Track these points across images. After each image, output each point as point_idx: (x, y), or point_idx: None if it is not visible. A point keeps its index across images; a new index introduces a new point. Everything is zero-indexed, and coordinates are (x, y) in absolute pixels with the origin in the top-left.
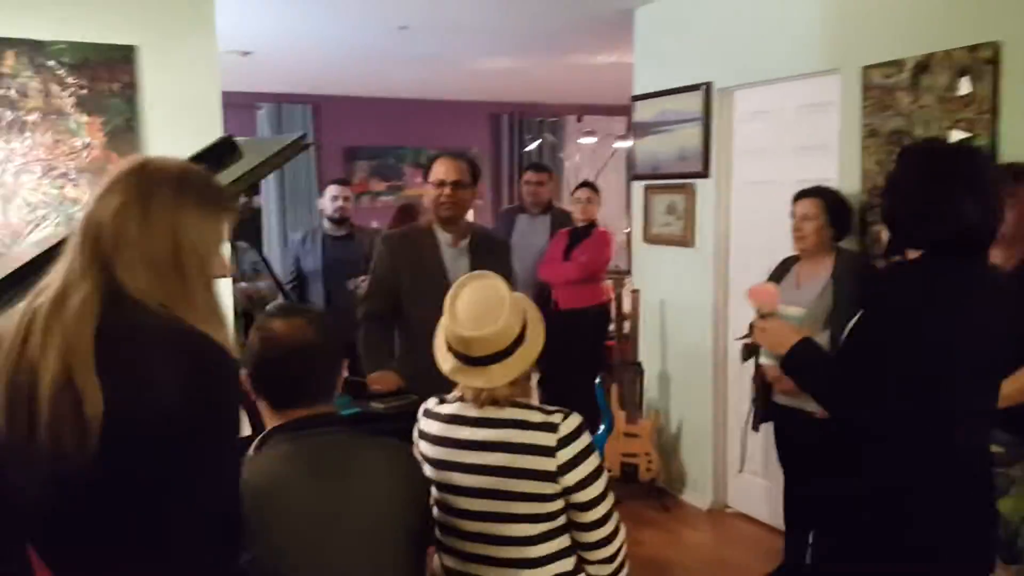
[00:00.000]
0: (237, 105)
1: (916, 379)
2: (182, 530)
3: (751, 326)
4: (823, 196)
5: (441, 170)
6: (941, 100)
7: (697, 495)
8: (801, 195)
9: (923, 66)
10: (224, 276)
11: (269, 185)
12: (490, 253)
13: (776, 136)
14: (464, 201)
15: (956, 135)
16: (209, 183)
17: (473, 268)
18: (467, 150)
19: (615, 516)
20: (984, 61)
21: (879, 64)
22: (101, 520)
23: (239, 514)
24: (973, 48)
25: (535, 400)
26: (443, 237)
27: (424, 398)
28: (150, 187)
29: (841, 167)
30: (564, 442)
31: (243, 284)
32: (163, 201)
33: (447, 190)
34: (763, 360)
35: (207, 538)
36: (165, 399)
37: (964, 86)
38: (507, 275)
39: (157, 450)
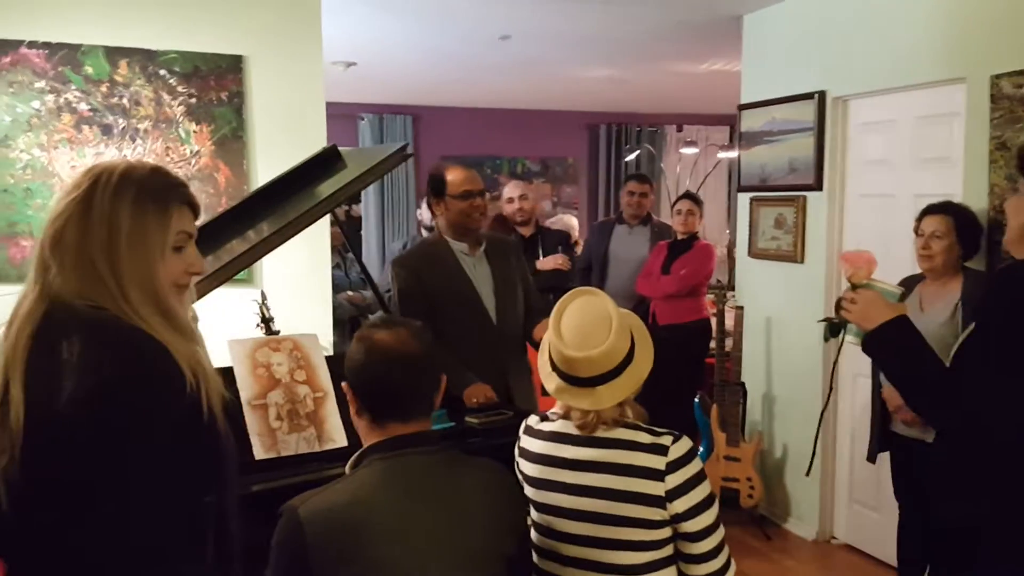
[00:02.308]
0: (339, 115)
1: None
2: (98, 546)
3: (839, 300)
4: (953, 213)
5: (467, 180)
6: None
7: (802, 524)
8: (929, 211)
9: None
10: (192, 274)
11: (368, 194)
12: (506, 256)
13: (894, 148)
14: (487, 209)
15: None
16: (153, 175)
17: (494, 273)
18: (563, 160)
19: (726, 549)
20: None
21: (1010, 73)
22: (33, 528)
23: (164, 540)
24: None
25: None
26: (458, 247)
27: (518, 414)
28: (93, 187)
29: (966, 182)
30: (674, 466)
31: (349, 292)
32: (102, 198)
33: (477, 200)
34: (850, 339)
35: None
36: (75, 393)
37: None
38: (525, 275)
39: (70, 453)
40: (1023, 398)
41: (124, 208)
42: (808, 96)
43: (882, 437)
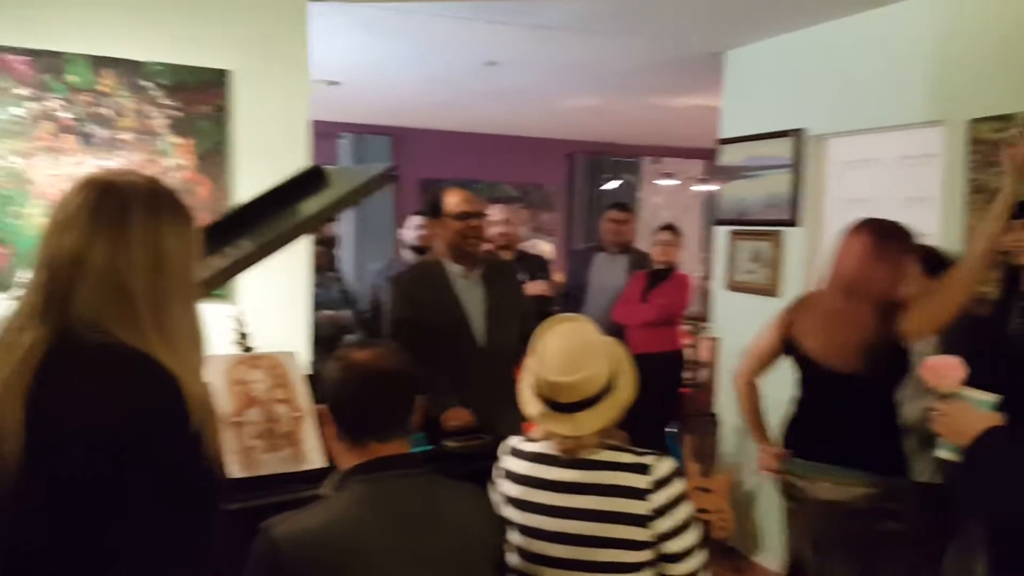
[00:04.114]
0: (320, 134)
1: None
2: None
3: (924, 410)
4: (918, 250)
5: (466, 200)
6: None
7: (772, 557)
8: None
9: None
10: (203, 296)
11: (346, 215)
12: (503, 280)
13: (871, 187)
14: (485, 232)
15: None
16: (178, 196)
17: (488, 298)
18: (541, 187)
19: (708, 571)
20: None
21: (987, 118)
22: (23, 558)
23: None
24: None
25: None
26: (454, 270)
27: (496, 438)
28: (123, 207)
29: (943, 223)
30: (658, 485)
31: (329, 312)
32: (139, 218)
33: (474, 221)
34: (942, 454)
35: None
36: (87, 424)
37: None
38: (521, 301)
39: (80, 488)
40: None
41: (167, 228)
42: (787, 133)
43: None
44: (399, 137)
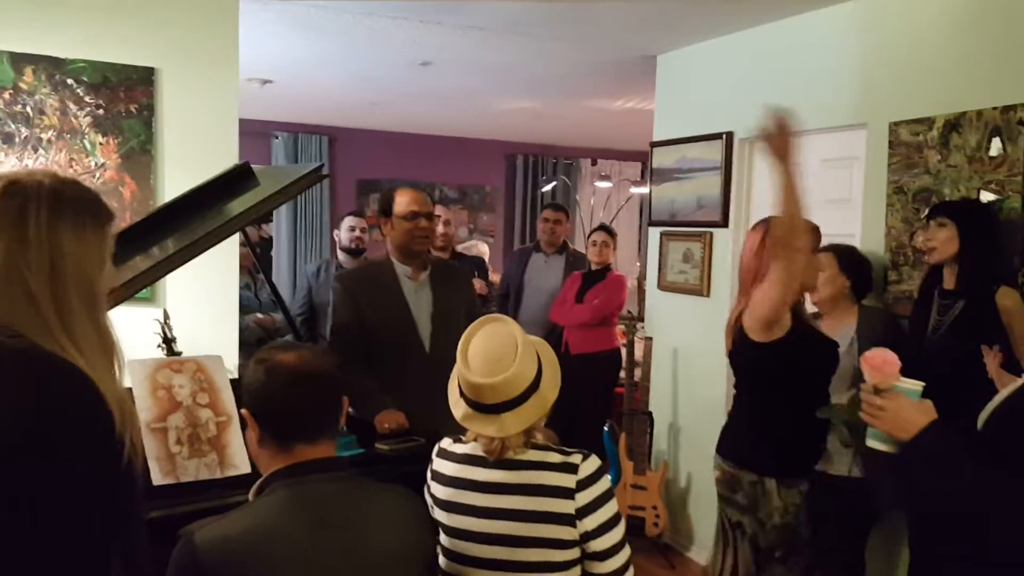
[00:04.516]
0: (253, 133)
1: None
2: None
3: (859, 402)
4: (835, 250)
5: (415, 200)
6: (971, 160)
7: (704, 553)
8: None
9: (953, 125)
10: (114, 301)
11: (281, 215)
12: (452, 283)
13: None
14: (435, 233)
15: (986, 196)
16: (84, 191)
17: (436, 300)
18: (481, 188)
19: (632, 569)
20: (1017, 122)
21: (907, 121)
22: None
23: None
24: (1006, 109)
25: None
26: (402, 270)
27: (429, 440)
28: (24, 207)
29: (864, 223)
30: (584, 484)
31: (258, 315)
32: (38, 219)
33: (423, 222)
34: (873, 444)
35: None
36: (3, 431)
37: (995, 147)
38: (471, 304)
39: None
40: None
41: (65, 230)
42: (716, 136)
43: None
44: (336, 137)
